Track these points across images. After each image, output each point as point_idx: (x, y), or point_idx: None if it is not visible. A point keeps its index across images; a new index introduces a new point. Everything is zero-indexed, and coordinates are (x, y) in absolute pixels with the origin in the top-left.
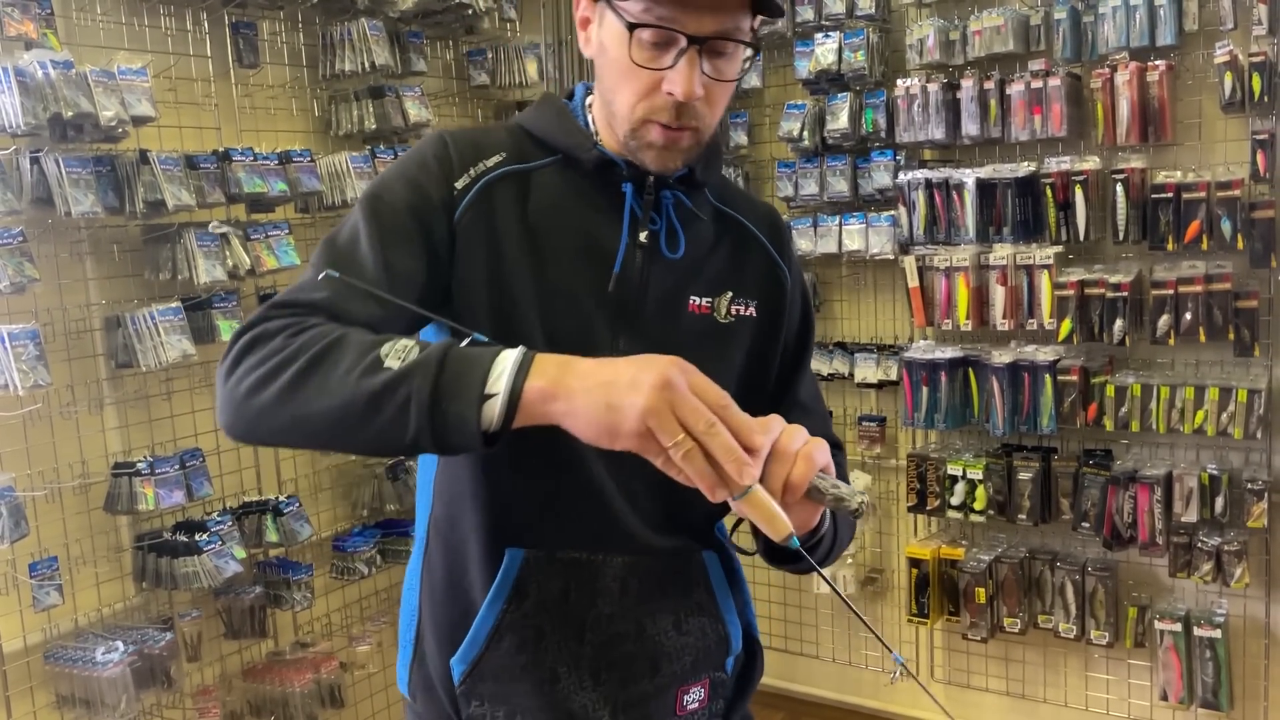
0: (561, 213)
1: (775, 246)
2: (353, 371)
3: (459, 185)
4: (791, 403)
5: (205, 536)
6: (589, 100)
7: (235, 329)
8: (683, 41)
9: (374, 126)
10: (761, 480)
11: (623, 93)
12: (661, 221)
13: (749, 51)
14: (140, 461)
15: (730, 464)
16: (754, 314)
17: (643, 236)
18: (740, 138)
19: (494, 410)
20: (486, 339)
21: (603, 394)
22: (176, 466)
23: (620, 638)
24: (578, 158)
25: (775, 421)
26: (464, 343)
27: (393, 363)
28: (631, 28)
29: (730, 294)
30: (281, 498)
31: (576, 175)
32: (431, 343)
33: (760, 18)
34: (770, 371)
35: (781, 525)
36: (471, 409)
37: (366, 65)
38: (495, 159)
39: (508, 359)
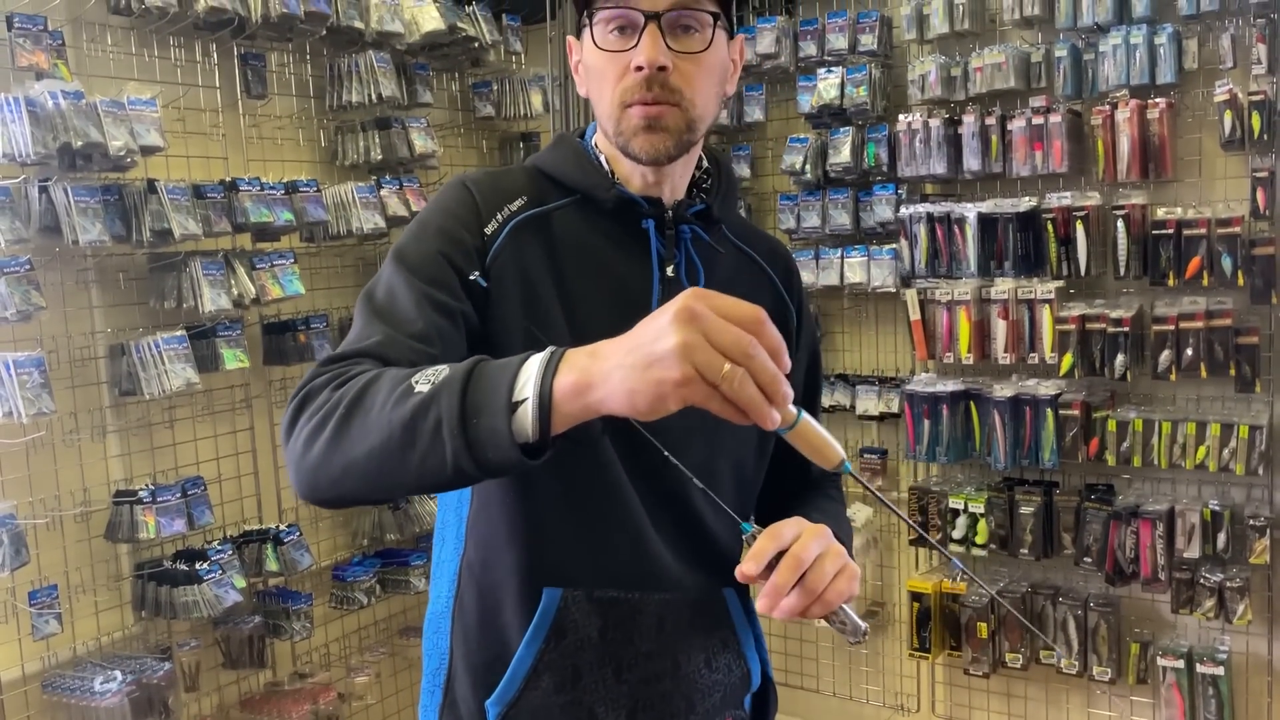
0: (585, 253)
1: (786, 289)
2: (386, 404)
3: (488, 231)
4: None
5: (205, 565)
6: (595, 140)
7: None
8: (641, 19)
9: (380, 157)
10: (799, 587)
11: (603, 92)
12: (681, 256)
13: (717, 27)
14: (142, 490)
15: (775, 388)
16: None
17: (669, 271)
18: (743, 170)
19: (527, 418)
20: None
21: (636, 358)
22: (178, 495)
23: (657, 676)
24: (597, 198)
25: (808, 534)
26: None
27: (422, 387)
28: (591, 14)
29: None
30: (282, 526)
31: (596, 215)
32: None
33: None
34: None
35: (833, 453)
36: (500, 419)
37: (373, 97)
38: (518, 202)
39: (534, 362)
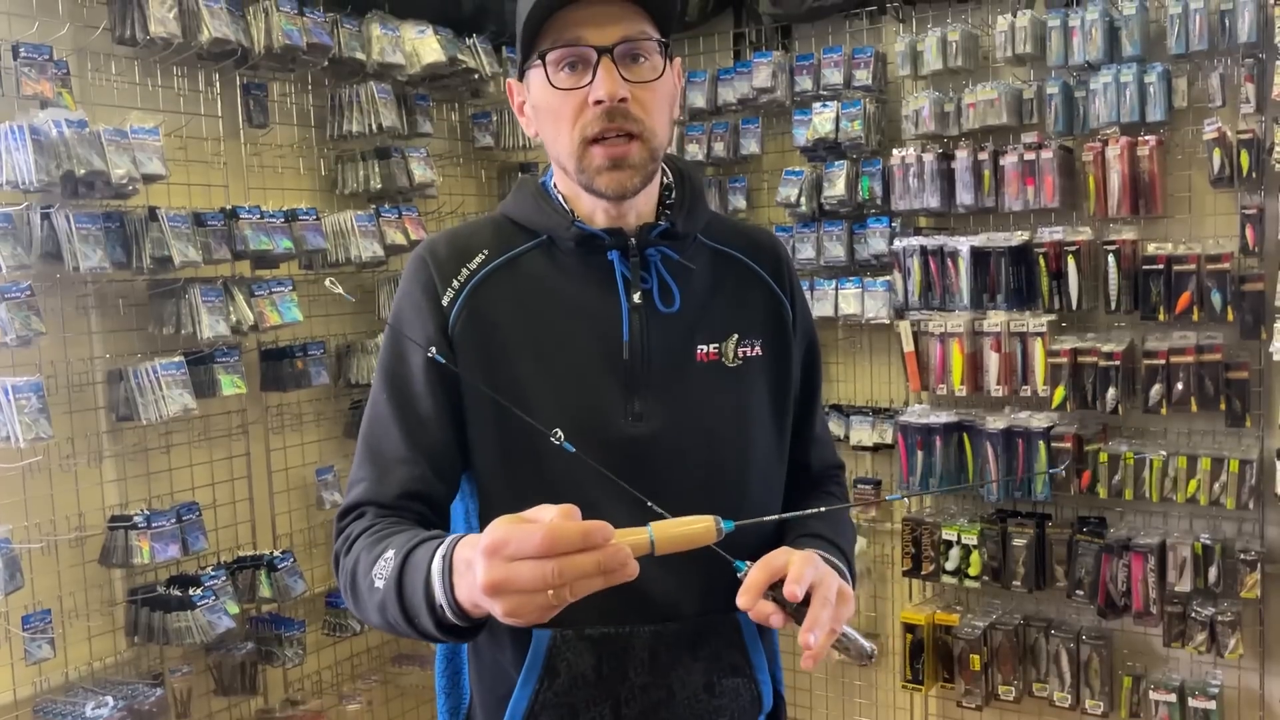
0: (554, 293)
1: (776, 280)
2: (366, 595)
3: (445, 301)
4: (808, 438)
5: (199, 591)
6: (554, 180)
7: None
8: (593, 55)
9: (379, 186)
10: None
11: (561, 131)
12: (652, 279)
13: (666, 55)
14: (137, 515)
15: (605, 570)
16: (761, 353)
17: (636, 297)
18: (739, 202)
19: (453, 617)
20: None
21: (496, 606)
22: (173, 520)
23: (655, 706)
24: (559, 237)
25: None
26: None
27: (379, 584)
28: (543, 55)
29: (736, 336)
30: (276, 553)
31: (562, 254)
32: (405, 541)
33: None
34: (790, 405)
35: (702, 533)
36: (429, 621)
37: (373, 126)
38: (478, 259)
39: (435, 575)
